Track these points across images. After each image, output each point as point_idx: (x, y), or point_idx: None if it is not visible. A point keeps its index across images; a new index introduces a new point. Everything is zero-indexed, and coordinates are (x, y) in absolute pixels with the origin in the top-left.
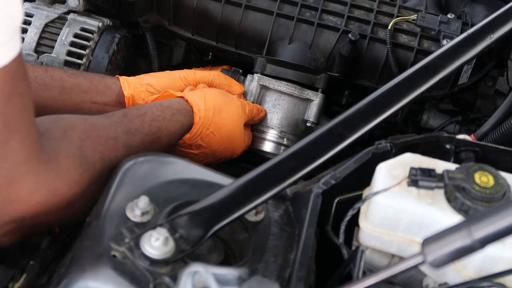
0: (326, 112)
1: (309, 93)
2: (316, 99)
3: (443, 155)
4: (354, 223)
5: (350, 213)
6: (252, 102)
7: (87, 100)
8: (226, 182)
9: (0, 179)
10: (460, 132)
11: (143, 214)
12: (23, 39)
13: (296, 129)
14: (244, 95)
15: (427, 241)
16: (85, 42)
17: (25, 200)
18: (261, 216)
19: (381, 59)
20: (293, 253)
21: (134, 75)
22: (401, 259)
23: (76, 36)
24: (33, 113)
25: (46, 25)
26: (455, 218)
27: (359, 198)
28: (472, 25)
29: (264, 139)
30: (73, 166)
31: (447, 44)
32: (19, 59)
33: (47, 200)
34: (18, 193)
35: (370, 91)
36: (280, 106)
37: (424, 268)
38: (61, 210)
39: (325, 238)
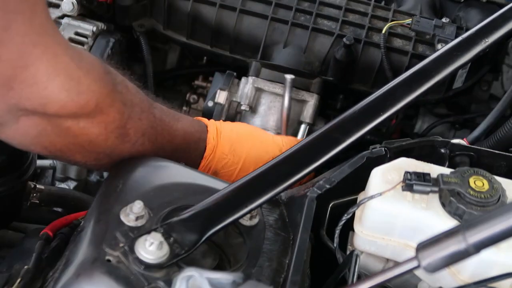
0: (321, 116)
1: (304, 94)
2: (311, 100)
3: (437, 160)
4: (349, 227)
5: (345, 217)
6: (248, 105)
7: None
8: (221, 187)
9: (13, 63)
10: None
11: (137, 218)
12: None
13: (293, 130)
14: (239, 98)
15: (422, 246)
16: (79, 46)
17: (45, 85)
18: (255, 220)
19: (375, 63)
20: (288, 257)
21: None
22: (396, 263)
23: (70, 40)
24: None
25: None
26: (449, 222)
27: (353, 203)
28: (467, 30)
29: None
30: (104, 87)
31: (441, 48)
32: None
33: (69, 97)
34: (36, 76)
35: (365, 96)
36: (276, 108)
37: (419, 273)
38: (87, 132)
39: (320, 242)
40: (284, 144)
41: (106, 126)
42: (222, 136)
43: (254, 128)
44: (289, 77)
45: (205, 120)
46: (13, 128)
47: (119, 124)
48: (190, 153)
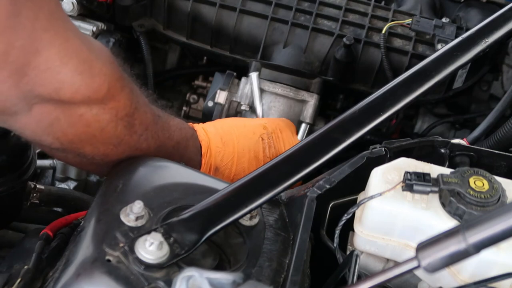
0: (320, 116)
1: (304, 94)
2: (311, 100)
3: (437, 160)
4: (349, 227)
5: (345, 217)
6: (248, 105)
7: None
8: (221, 187)
9: (25, 49)
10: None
11: (137, 218)
12: None
13: None
14: (239, 98)
15: (422, 246)
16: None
17: (58, 70)
18: (255, 220)
19: (375, 63)
20: (288, 257)
21: None
22: (396, 263)
23: None
24: None
25: None
26: (449, 222)
27: (353, 203)
28: (467, 30)
29: None
30: (114, 71)
31: (441, 48)
32: None
33: (83, 80)
34: (48, 61)
35: (365, 96)
36: (276, 108)
37: (419, 273)
38: (99, 119)
39: (320, 242)
40: (266, 121)
41: (117, 113)
42: (210, 133)
43: (232, 118)
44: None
45: (189, 124)
46: (26, 117)
47: (128, 111)
48: (189, 149)
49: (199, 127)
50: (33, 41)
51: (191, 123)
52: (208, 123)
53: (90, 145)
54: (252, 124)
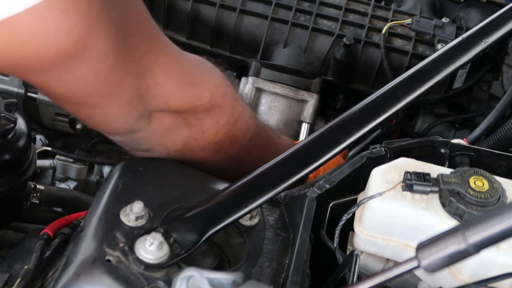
0: (320, 115)
1: (304, 94)
2: (311, 99)
3: (437, 160)
4: (349, 227)
5: (345, 217)
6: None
7: None
8: (221, 187)
9: (135, 73)
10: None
11: (137, 218)
12: None
13: (293, 130)
14: None
15: (422, 246)
16: None
17: (164, 85)
18: (255, 220)
19: (375, 63)
20: (288, 257)
21: None
22: (396, 263)
23: None
24: None
25: None
26: (449, 222)
27: (353, 203)
28: (467, 29)
29: None
30: (215, 80)
31: (441, 48)
32: None
33: (186, 90)
34: (155, 78)
35: (365, 95)
36: (276, 108)
37: (419, 273)
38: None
39: (320, 242)
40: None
41: (219, 119)
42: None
43: None
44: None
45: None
46: (146, 130)
47: (229, 119)
48: None
49: None
50: (141, 64)
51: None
52: None
53: (191, 151)
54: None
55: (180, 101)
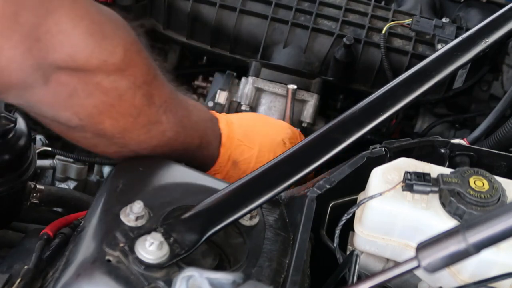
0: (320, 115)
1: (304, 94)
2: (311, 100)
3: (437, 160)
4: (349, 227)
5: (345, 217)
6: (248, 105)
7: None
8: (221, 187)
9: (35, 10)
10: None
11: (137, 218)
12: None
13: None
14: (239, 98)
15: (422, 246)
16: None
17: (70, 32)
18: (255, 220)
19: (375, 63)
20: (288, 257)
21: None
22: (396, 263)
23: None
24: None
25: None
26: (449, 222)
27: (353, 203)
28: (467, 30)
29: None
30: (129, 33)
31: (441, 49)
32: None
33: (96, 42)
34: (59, 23)
35: (365, 96)
36: (276, 108)
37: (419, 273)
38: (113, 93)
39: (320, 242)
40: (288, 126)
41: (135, 80)
42: (233, 124)
43: (258, 114)
44: (291, 86)
45: (211, 111)
46: (43, 90)
47: (146, 79)
48: (208, 132)
49: (222, 117)
50: (43, 1)
51: (214, 112)
52: (232, 115)
53: (109, 117)
54: (276, 125)
55: (89, 55)
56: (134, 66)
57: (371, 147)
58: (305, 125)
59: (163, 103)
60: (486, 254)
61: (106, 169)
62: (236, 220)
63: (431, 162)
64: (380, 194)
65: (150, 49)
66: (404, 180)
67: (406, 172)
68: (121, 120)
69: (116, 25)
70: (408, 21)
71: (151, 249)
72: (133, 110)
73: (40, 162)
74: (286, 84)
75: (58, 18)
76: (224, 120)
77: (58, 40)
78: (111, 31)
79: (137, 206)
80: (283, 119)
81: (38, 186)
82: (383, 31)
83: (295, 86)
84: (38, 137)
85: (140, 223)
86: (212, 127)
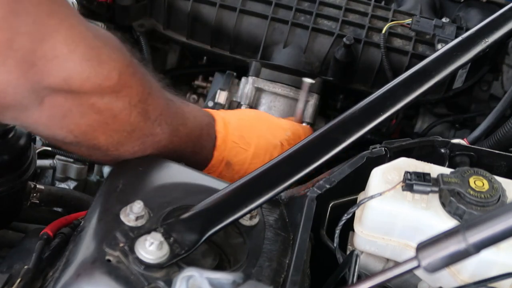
0: (320, 115)
1: None
2: (311, 99)
3: (437, 160)
4: (349, 227)
5: (345, 217)
6: (248, 105)
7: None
8: (221, 187)
9: (31, 36)
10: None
11: (137, 218)
12: None
13: None
14: (239, 98)
15: (422, 246)
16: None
17: (66, 57)
18: (255, 220)
19: (375, 63)
20: (288, 257)
21: None
22: (396, 263)
23: None
24: None
25: None
26: (449, 222)
27: (353, 203)
28: (467, 29)
29: None
30: (124, 57)
31: (441, 48)
32: None
33: (92, 67)
34: (55, 48)
35: (365, 95)
36: (276, 108)
37: (419, 273)
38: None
39: (320, 242)
40: (289, 126)
41: (130, 100)
42: (230, 125)
43: (259, 112)
44: (308, 80)
45: (209, 110)
46: (38, 111)
47: (141, 97)
48: (203, 137)
49: (220, 117)
50: (38, 27)
51: (212, 110)
52: (231, 113)
53: (103, 134)
54: (275, 126)
55: (83, 79)
56: (129, 87)
57: (371, 147)
58: (305, 125)
59: (158, 116)
60: (486, 254)
61: (106, 169)
62: (236, 220)
63: (431, 162)
64: (380, 194)
65: (150, 51)
66: (404, 180)
67: (406, 172)
68: (115, 136)
69: (112, 48)
70: (408, 21)
71: (151, 249)
72: (127, 126)
73: (40, 162)
74: (286, 84)
75: (54, 43)
76: (222, 120)
77: (53, 65)
78: (107, 55)
79: (137, 206)
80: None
81: (38, 186)
82: (383, 31)
83: (312, 80)
84: (38, 137)
85: (140, 223)
86: (208, 131)
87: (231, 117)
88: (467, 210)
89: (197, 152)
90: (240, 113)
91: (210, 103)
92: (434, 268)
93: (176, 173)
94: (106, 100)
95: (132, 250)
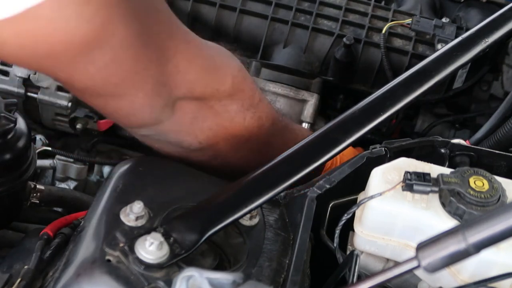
0: (320, 116)
1: (304, 94)
2: (311, 99)
3: (437, 160)
4: (349, 227)
5: (345, 217)
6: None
7: None
8: (221, 187)
9: (159, 61)
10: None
11: (137, 218)
12: None
13: None
14: None
15: (422, 246)
16: None
17: (187, 71)
18: (255, 220)
19: (375, 63)
20: (288, 257)
21: None
22: (396, 263)
23: None
24: None
25: None
26: (449, 222)
27: (353, 203)
28: (467, 29)
29: None
30: (234, 62)
31: (441, 48)
32: None
33: (210, 76)
34: (178, 66)
35: (365, 95)
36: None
37: (419, 273)
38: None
39: (320, 242)
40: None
41: (243, 103)
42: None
43: None
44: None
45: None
46: (171, 120)
47: (252, 102)
48: None
49: None
50: (163, 52)
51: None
52: None
53: (223, 139)
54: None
55: (203, 87)
56: (241, 91)
57: (371, 147)
58: (305, 125)
59: (271, 126)
60: (486, 254)
61: (106, 169)
62: (236, 220)
63: (431, 162)
64: (380, 194)
65: None
66: (404, 180)
67: (406, 172)
68: (233, 141)
69: (224, 56)
70: (408, 21)
71: (151, 249)
72: (244, 131)
73: (40, 162)
74: (286, 84)
75: (176, 62)
76: None
77: (177, 79)
78: (221, 63)
79: (137, 206)
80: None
81: (38, 186)
82: (383, 31)
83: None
84: (38, 137)
85: (140, 223)
86: None
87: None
88: (467, 210)
89: None
90: None
91: None
92: (434, 268)
93: (176, 173)
94: (222, 103)
95: (132, 250)
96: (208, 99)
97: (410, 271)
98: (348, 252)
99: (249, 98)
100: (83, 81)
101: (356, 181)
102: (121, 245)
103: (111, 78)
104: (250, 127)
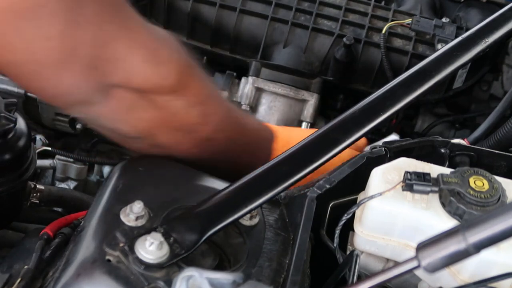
0: (320, 116)
1: (304, 94)
2: (311, 99)
3: (437, 160)
4: (349, 227)
5: (345, 217)
6: (248, 105)
7: None
8: (221, 187)
9: (92, 43)
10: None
11: (137, 218)
12: None
13: None
14: (239, 98)
15: (422, 246)
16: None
17: (126, 59)
18: (255, 220)
19: (375, 63)
20: (288, 257)
21: None
22: (396, 263)
23: None
24: None
25: None
26: (450, 222)
27: (353, 203)
28: (467, 29)
29: None
30: (183, 58)
31: (441, 48)
32: None
33: (151, 68)
34: (116, 52)
35: (365, 95)
36: (276, 107)
37: (419, 273)
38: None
39: (320, 242)
40: (348, 154)
41: (189, 100)
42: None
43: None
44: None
45: (271, 126)
46: (104, 105)
47: (200, 99)
48: (261, 152)
49: (283, 136)
50: (100, 34)
51: (274, 126)
52: (295, 131)
53: (163, 131)
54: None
55: (143, 79)
56: (187, 88)
57: (370, 146)
58: (305, 125)
59: (218, 122)
60: (486, 254)
61: (106, 169)
62: (236, 220)
63: (431, 162)
64: (380, 194)
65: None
66: (404, 180)
67: (406, 172)
68: (174, 134)
69: (171, 50)
70: (408, 21)
71: (151, 249)
72: (186, 127)
73: (40, 162)
74: (286, 84)
75: (115, 47)
76: (284, 139)
77: (114, 66)
78: (166, 56)
79: (137, 206)
80: (283, 119)
81: (38, 186)
82: (383, 31)
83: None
84: (38, 137)
85: (140, 223)
86: (266, 145)
87: (294, 138)
88: (467, 210)
89: (251, 165)
90: (304, 133)
91: None
92: (434, 268)
93: (176, 173)
94: (165, 98)
95: (132, 250)
96: (148, 92)
97: (410, 271)
98: (348, 252)
99: (196, 95)
100: (6, 55)
101: (356, 181)
102: (121, 245)
103: (36, 54)
104: (194, 123)
